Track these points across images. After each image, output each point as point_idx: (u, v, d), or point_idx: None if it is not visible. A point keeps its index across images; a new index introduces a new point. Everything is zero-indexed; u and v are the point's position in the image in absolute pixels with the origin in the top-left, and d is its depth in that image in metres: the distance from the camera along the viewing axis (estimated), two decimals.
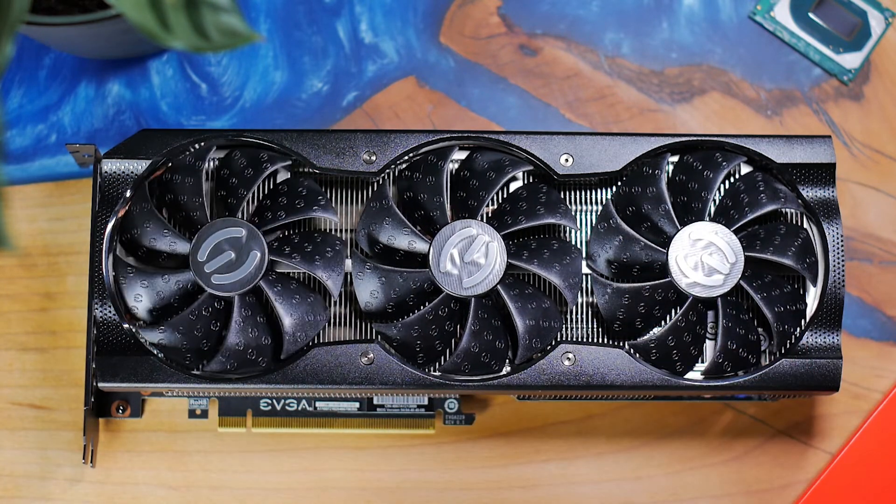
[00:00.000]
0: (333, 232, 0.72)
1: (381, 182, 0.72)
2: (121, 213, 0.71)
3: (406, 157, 0.72)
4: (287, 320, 0.70)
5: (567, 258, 0.71)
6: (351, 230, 0.72)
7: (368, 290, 0.70)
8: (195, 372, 0.70)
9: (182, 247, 0.70)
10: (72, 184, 0.79)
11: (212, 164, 0.72)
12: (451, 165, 0.73)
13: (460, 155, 0.73)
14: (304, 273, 0.71)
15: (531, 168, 0.72)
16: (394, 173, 0.73)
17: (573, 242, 0.73)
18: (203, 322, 0.70)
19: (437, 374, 0.71)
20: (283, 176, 0.73)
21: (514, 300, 0.70)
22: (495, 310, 0.71)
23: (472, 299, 0.70)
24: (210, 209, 0.72)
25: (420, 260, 0.71)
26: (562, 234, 0.73)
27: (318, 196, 0.71)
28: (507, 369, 0.71)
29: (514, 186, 0.73)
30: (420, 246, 0.71)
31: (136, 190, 0.71)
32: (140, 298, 0.70)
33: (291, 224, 0.72)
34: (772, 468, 0.78)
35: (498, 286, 0.70)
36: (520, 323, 0.70)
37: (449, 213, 0.71)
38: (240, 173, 0.71)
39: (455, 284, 0.70)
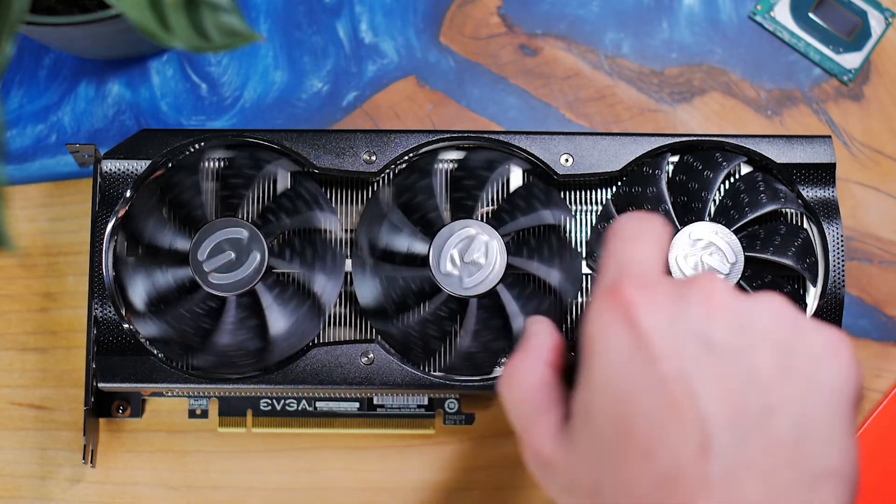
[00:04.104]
0: (335, 239, 0.72)
1: (380, 184, 0.72)
2: (121, 213, 0.71)
3: (406, 158, 0.72)
4: (277, 327, 0.70)
5: (567, 257, 0.71)
6: (351, 230, 0.72)
7: (369, 292, 0.70)
8: (180, 366, 0.70)
9: (182, 243, 0.70)
10: (72, 184, 0.79)
11: (218, 163, 0.72)
12: (448, 166, 0.73)
13: (458, 155, 0.73)
14: (301, 280, 0.71)
15: (528, 166, 0.72)
16: (393, 174, 0.73)
17: (572, 241, 0.73)
18: (196, 319, 0.70)
19: (438, 374, 0.71)
20: (288, 178, 0.73)
21: (514, 300, 0.70)
22: (496, 310, 0.71)
23: (473, 299, 0.70)
24: (213, 208, 0.72)
25: (420, 261, 0.71)
26: (561, 233, 0.73)
27: (321, 201, 0.71)
28: None
29: (514, 186, 0.73)
30: (420, 247, 0.71)
31: (138, 187, 0.71)
32: (138, 289, 0.70)
33: (293, 229, 0.72)
34: None
35: (498, 286, 0.70)
36: (549, 273, 0.70)
37: (447, 213, 0.71)
38: (244, 174, 0.71)
39: (455, 285, 0.70)
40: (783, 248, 0.71)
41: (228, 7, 0.56)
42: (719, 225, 0.71)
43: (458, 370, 0.71)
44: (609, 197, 0.73)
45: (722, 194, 0.73)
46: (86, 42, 0.76)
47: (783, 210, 0.73)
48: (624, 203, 0.72)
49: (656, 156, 0.73)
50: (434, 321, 0.70)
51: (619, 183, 0.73)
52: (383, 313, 0.71)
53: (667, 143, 0.73)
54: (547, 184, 0.73)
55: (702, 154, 0.73)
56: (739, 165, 0.73)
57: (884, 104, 0.81)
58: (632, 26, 0.81)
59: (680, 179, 0.72)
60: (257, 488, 0.77)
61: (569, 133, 0.72)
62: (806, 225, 0.73)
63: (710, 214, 0.72)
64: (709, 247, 0.71)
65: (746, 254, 0.71)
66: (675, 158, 0.73)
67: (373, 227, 0.71)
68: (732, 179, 0.73)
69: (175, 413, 0.77)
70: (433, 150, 0.72)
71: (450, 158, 0.73)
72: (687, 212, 0.72)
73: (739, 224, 0.71)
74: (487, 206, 0.72)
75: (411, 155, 0.72)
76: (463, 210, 0.71)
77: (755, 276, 0.71)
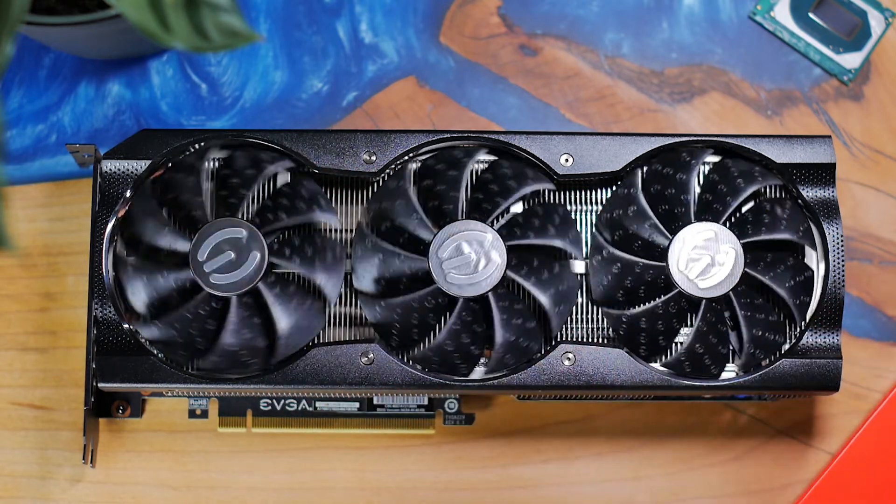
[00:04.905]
0: (334, 235, 0.72)
1: (405, 167, 0.72)
2: (121, 213, 0.71)
3: (405, 157, 0.72)
4: (283, 324, 0.70)
5: (559, 219, 0.71)
6: (351, 230, 0.72)
7: (365, 270, 0.70)
8: (188, 370, 0.70)
9: (182, 245, 0.70)
10: (72, 184, 0.79)
11: (214, 164, 0.72)
12: (479, 166, 0.72)
13: (489, 157, 0.73)
14: (304, 276, 0.71)
15: (552, 187, 0.72)
16: (422, 160, 0.72)
17: (557, 203, 0.72)
18: (199, 320, 0.70)
19: (438, 374, 0.71)
20: (284, 177, 0.73)
21: (526, 278, 0.70)
22: (515, 295, 0.71)
23: (489, 293, 0.70)
24: (211, 209, 0.72)
25: (421, 248, 0.71)
26: (545, 198, 0.73)
27: (319, 198, 0.71)
28: (542, 351, 0.71)
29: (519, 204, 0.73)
30: (425, 234, 0.70)
31: (137, 188, 0.71)
32: (139, 293, 0.70)
33: (292, 226, 0.72)
34: (772, 468, 0.78)
35: (506, 272, 0.70)
36: (542, 296, 0.70)
37: (463, 210, 0.71)
38: (241, 173, 0.71)
39: (462, 288, 0.70)
40: (783, 279, 0.71)
41: (228, 7, 0.56)
42: (731, 233, 0.71)
43: (506, 364, 0.70)
44: (642, 169, 0.72)
45: (746, 207, 0.73)
46: (86, 42, 0.76)
47: (797, 242, 0.73)
48: (653, 179, 0.72)
49: (700, 149, 0.72)
50: (462, 328, 0.70)
51: (655, 158, 0.72)
52: (409, 340, 0.71)
53: (667, 142, 0.72)
54: (511, 159, 0.72)
55: (741, 163, 0.72)
56: (774, 187, 0.73)
57: (884, 104, 0.81)
58: (632, 26, 0.81)
59: (712, 178, 0.72)
60: (257, 488, 0.77)
61: (569, 133, 0.72)
62: (815, 265, 0.72)
63: (727, 221, 0.72)
64: (713, 249, 0.71)
65: (746, 270, 0.71)
66: (716, 159, 0.73)
67: (385, 201, 0.70)
68: (762, 198, 0.73)
69: (175, 413, 0.77)
70: (470, 147, 0.72)
71: (482, 159, 0.73)
72: (707, 210, 0.72)
73: (750, 240, 0.71)
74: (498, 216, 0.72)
75: (411, 154, 0.72)
76: (445, 216, 0.71)
77: (746, 294, 0.71)
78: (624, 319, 0.71)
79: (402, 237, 0.71)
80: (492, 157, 0.73)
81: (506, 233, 0.71)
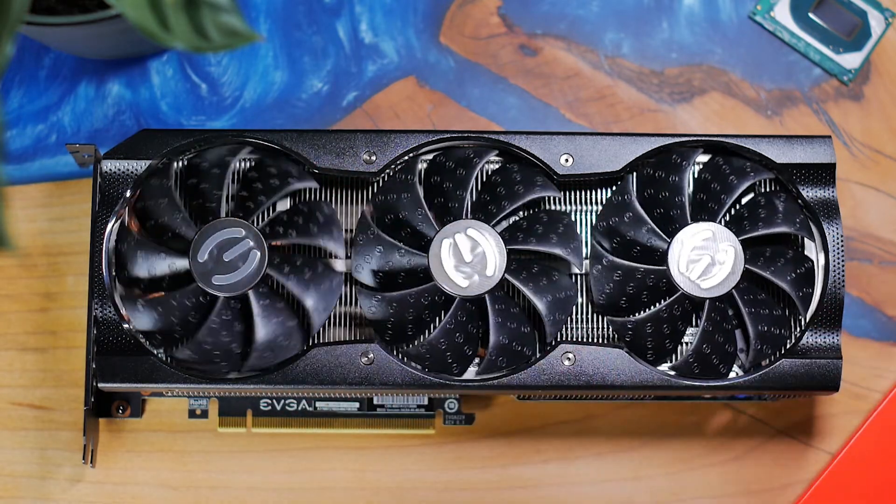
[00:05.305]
0: (336, 269, 0.71)
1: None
2: (121, 214, 0.71)
3: (405, 157, 0.72)
4: (261, 335, 0.69)
5: (562, 227, 0.71)
6: (351, 230, 0.72)
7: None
8: (232, 376, 0.70)
9: (188, 232, 0.69)
10: (72, 184, 0.79)
11: (244, 164, 0.72)
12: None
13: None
14: (294, 298, 0.71)
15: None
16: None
17: (562, 212, 0.72)
18: (183, 310, 0.69)
19: (439, 374, 0.71)
20: (307, 195, 0.72)
21: (525, 283, 0.70)
22: (511, 298, 0.71)
23: (486, 296, 0.70)
24: (227, 206, 0.71)
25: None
26: (549, 206, 0.72)
27: (332, 227, 0.70)
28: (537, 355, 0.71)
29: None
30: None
31: (137, 188, 0.71)
32: (134, 266, 0.69)
33: (298, 247, 0.71)
34: (772, 468, 0.78)
35: (505, 274, 0.70)
36: (539, 303, 0.70)
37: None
38: (267, 182, 0.70)
39: (464, 287, 0.70)
40: (784, 272, 0.71)
41: (228, 7, 0.56)
42: (729, 231, 0.71)
43: (498, 367, 0.70)
44: (632, 174, 0.72)
45: (741, 204, 0.73)
46: (86, 42, 0.76)
47: (796, 235, 0.73)
48: (646, 184, 0.72)
49: (688, 148, 0.72)
50: (456, 328, 0.70)
51: (648, 162, 0.72)
52: (404, 335, 0.71)
53: (667, 143, 0.72)
54: (521, 164, 0.72)
55: (732, 160, 0.72)
56: (767, 182, 0.73)
57: (884, 104, 0.81)
58: (632, 26, 0.81)
59: (705, 178, 0.72)
60: (257, 488, 0.77)
61: (569, 133, 0.72)
62: (815, 257, 0.72)
63: (723, 219, 0.72)
64: (713, 249, 0.71)
65: (747, 266, 0.71)
66: (706, 158, 0.73)
67: (392, 194, 0.70)
68: (755, 193, 0.73)
69: (175, 413, 0.77)
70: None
71: (492, 159, 0.73)
72: (702, 210, 0.72)
73: (748, 236, 0.71)
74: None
75: (411, 155, 0.72)
76: (449, 214, 0.71)
77: (749, 291, 0.71)
78: (629, 326, 0.71)
79: (404, 231, 0.71)
80: (501, 159, 0.73)
81: (508, 236, 0.71)
